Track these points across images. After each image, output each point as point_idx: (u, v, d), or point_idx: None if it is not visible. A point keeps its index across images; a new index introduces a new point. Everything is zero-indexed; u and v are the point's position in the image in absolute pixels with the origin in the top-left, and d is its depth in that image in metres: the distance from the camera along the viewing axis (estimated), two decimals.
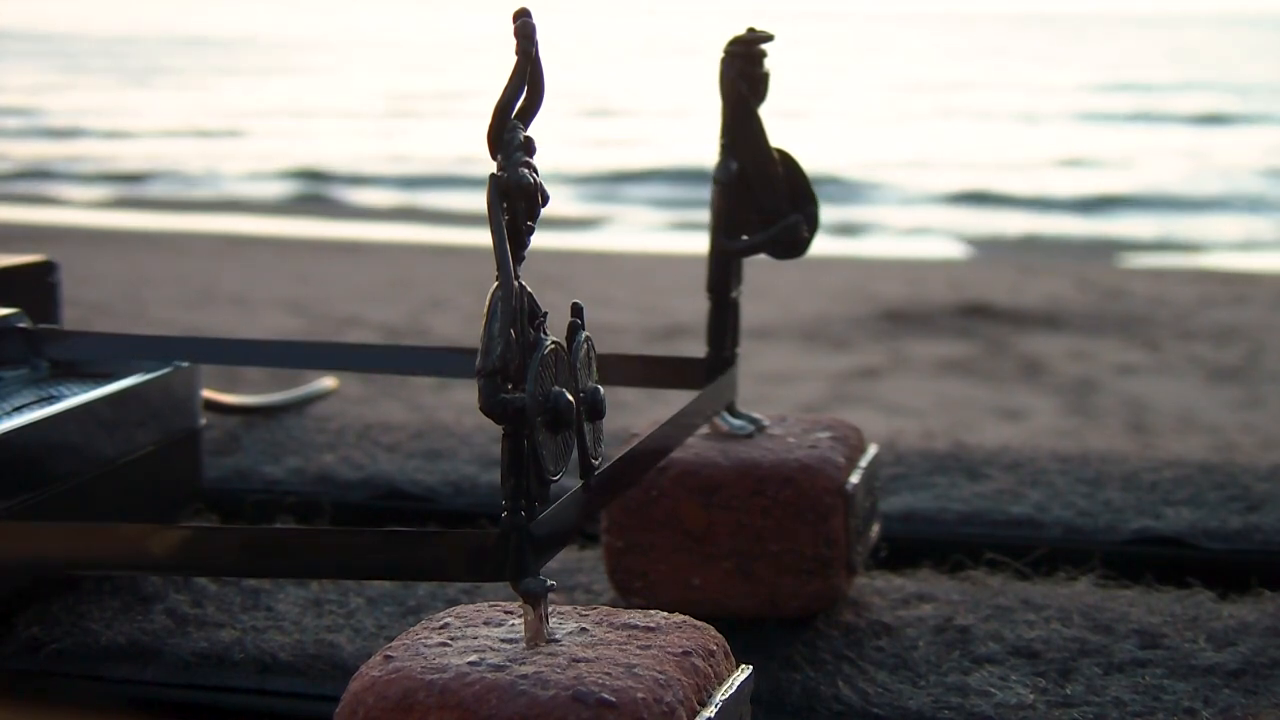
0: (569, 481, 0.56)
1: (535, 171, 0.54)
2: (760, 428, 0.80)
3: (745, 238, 0.78)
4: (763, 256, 0.78)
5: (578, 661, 0.51)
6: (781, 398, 4.17)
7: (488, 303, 0.52)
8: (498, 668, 0.50)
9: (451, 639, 0.53)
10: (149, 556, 0.60)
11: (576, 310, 0.58)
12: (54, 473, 0.76)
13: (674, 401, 0.75)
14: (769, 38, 0.76)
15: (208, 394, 0.99)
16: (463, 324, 5.19)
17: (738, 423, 0.79)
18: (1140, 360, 4.86)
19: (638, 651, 0.52)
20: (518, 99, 0.53)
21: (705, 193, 0.79)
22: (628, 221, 9.45)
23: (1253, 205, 9.63)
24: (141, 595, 0.80)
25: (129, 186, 10.96)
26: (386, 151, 12.72)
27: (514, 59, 0.53)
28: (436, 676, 0.49)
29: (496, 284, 0.52)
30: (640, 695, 0.49)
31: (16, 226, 8.28)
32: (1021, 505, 0.94)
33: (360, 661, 0.64)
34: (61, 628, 0.76)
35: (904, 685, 0.71)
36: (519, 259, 0.53)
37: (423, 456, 1.04)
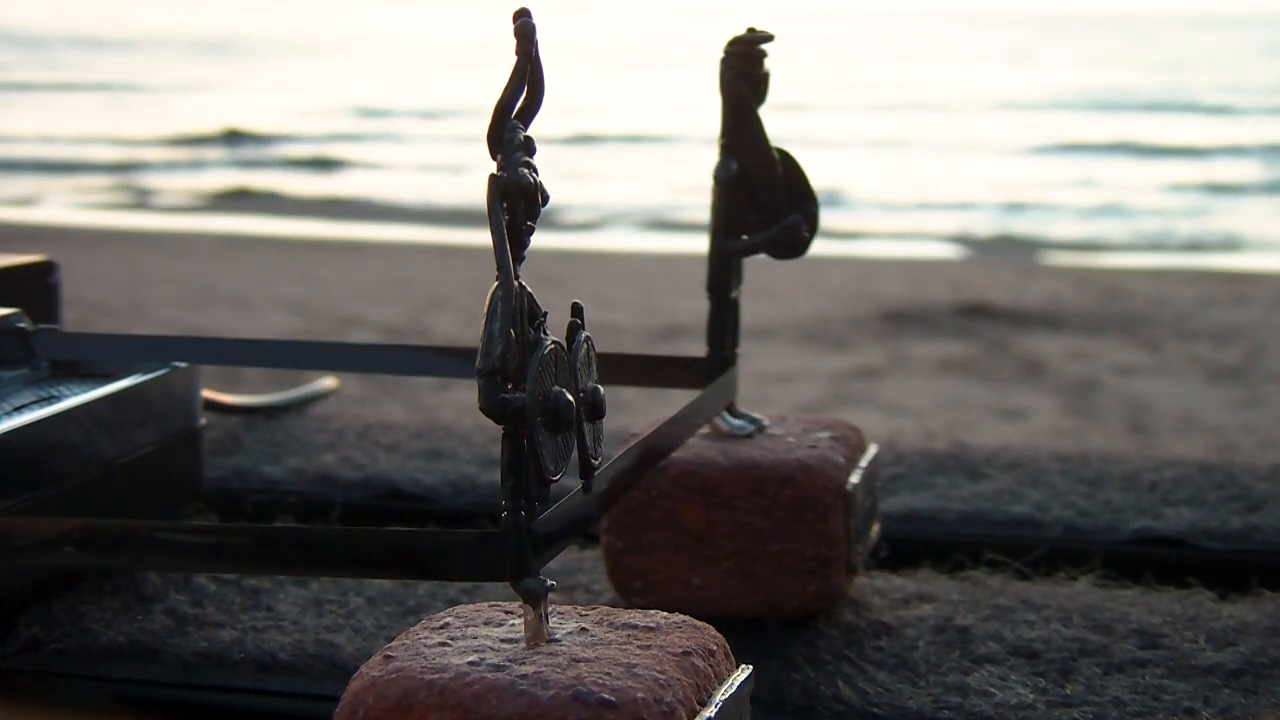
0: (569, 481, 0.56)
1: (535, 171, 0.54)
2: (760, 428, 0.80)
3: (745, 238, 0.78)
4: (763, 256, 0.78)
5: (578, 661, 0.51)
6: (781, 398, 4.17)
7: (488, 303, 0.52)
8: (498, 668, 0.50)
9: (451, 639, 0.53)
10: (153, 553, 0.60)
11: (576, 310, 0.58)
12: (54, 473, 0.76)
13: (674, 401, 0.75)
14: (769, 38, 0.76)
15: (208, 394, 0.99)
16: (463, 324, 5.20)
17: (738, 423, 0.79)
18: (1140, 360, 4.86)
19: (638, 651, 0.52)
20: (518, 99, 0.53)
21: None
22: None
23: None
24: (141, 595, 0.80)
25: None
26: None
27: (514, 59, 0.53)
28: (436, 676, 0.49)
29: (496, 284, 0.52)
30: (640, 695, 0.49)
31: (16, 226, 8.28)
32: (1021, 505, 0.94)
33: (360, 661, 0.64)
34: (62, 628, 0.76)
35: (904, 685, 0.71)
36: (519, 259, 0.53)
37: (423, 456, 1.04)
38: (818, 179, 0.77)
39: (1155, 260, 7.73)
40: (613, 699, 0.48)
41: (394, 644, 0.53)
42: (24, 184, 11.00)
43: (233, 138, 13.61)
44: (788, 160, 0.77)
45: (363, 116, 15.26)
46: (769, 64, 0.77)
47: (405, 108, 16.20)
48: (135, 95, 18.01)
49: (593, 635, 0.53)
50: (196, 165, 12.16)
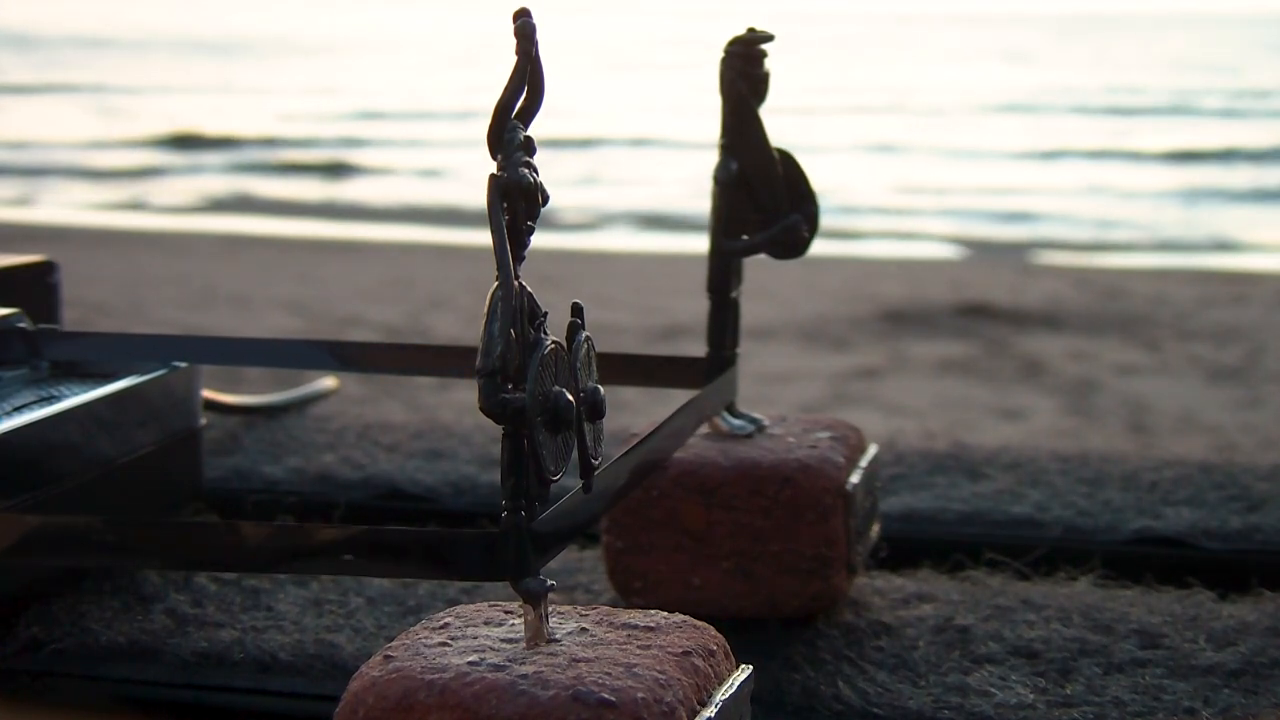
0: (569, 481, 0.56)
1: (535, 171, 0.54)
2: (760, 428, 0.80)
3: (745, 238, 0.78)
4: (763, 256, 0.78)
5: (578, 661, 0.51)
6: (781, 398, 4.17)
7: (488, 303, 0.52)
8: (498, 668, 0.50)
9: (451, 639, 0.53)
10: (156, 552, 0.60)
11: (576, 310, 0.58)
12: (54, 473, 0.76)
13: (674, 401, 0.75)
14: (769, 38, 0.76)
15: (208, 394, 0.99)
16: (463, 324, 5.19)
17: (738, 423, 0.79)
18: (1140, 360, 4.86)
19: (638, 651, 0.52)
20: (518, 99, 0.53)
21: None
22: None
23: None
24: (141, 595, 0.80)
25: None
26: None
27: (514, 59, 0.53)
28: (436, 676, 0.49)
29: (496, 284, 0.52)
30: (640, 695, 0.49)
31: (16, 226, 8.28)
32: (1021, 505, 0.94)
33: (360, 661, 0.64)
34: (62, 628, 0.76)
35: (904, 685, 0.71)
36: (519, 259, 0.53)
37: (423, 456, 1.04)
38: (817, 183, 0.77)
39: (1155, 260, 7.72)
40: (613, 699, 0.48)
41: (394, 644, 0.53)
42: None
43: (188, 141, 13.18)
44: (788, 160, 0.77)
45: (355, 119, 15.10)
46: (769, 64, 0.77)
47: (402, 110, 16.12)
48: (115, 97, 17.80)
49: (593, 635, 0.53)
50: (185, 170, 11.87)
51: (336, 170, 11.70)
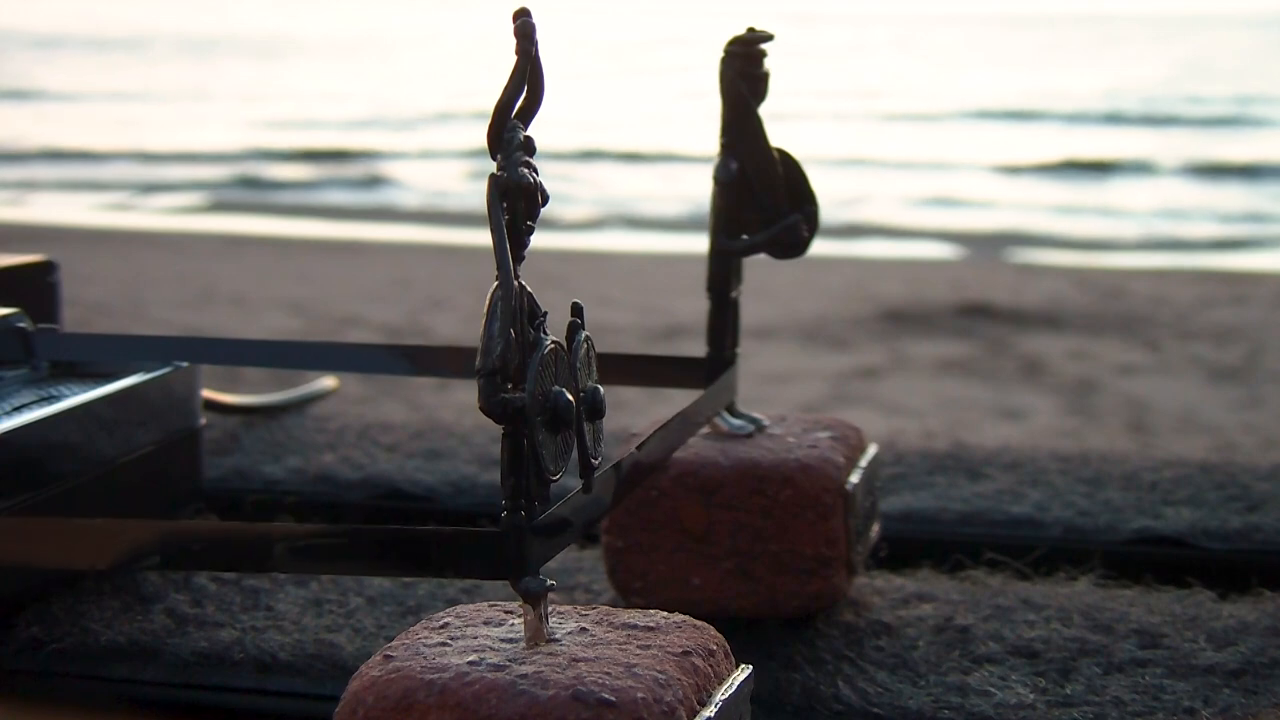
0: (569, 481, 0.56)
1: (535, 171, 0.54)
2: (760, 428, 0.80)
3: (745, 238, 0.78)
4: (763, 256, 0.78)
5: (577, 661, 0.51)
6: (781, 398, 4.17)
7: (488, 303, 0.52)
8: (497, 667, 0.50)
9: (451, 639, 0.53)
10: (165, 550, 0.60)
11: (576, 310, 0.58)
12: (54, 473, 0.76)
13: (674, 401, 0.75)
14: (769, 37, 0.76)
15: (208, 394, 0.99)
16: (463, 324, 5.19)
17: (738, 423, 0.79)
18: (1140, 360, 4.86)
19: (638, 651, 0.52)
20: (518, 99, 0.53)
21: None
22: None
23: None
24: (141, 595, 0.80)
25: None
26: None
27: (514, 59, 0.53)
28: (436, 676, 0.49)
29: (496, 284, 0.52)
30: (640, 695, 0.49)
31: (16, 226, 8.28)
32: (1021, 505, 0.94)
33: (360, 661, 0.64)
34: (62, 628, 0.76)
35: (904, 685, 0.71)
36: (519, 259, 0.53)
37: (423, 456, 1.04)
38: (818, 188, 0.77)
39: (1155, 260, 7.72)
40: (613, 699, 0.48)
41: (394, 644, 0.53)
42: None
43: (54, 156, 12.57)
44: (788, 160, 0.77)
45: (358, 127, 14.96)
46: (769, 63, 0.77)
47: (405, 113, 16.06)
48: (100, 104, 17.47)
49: (593, 635, 0.53)
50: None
51: (372, 182, 11.55)
